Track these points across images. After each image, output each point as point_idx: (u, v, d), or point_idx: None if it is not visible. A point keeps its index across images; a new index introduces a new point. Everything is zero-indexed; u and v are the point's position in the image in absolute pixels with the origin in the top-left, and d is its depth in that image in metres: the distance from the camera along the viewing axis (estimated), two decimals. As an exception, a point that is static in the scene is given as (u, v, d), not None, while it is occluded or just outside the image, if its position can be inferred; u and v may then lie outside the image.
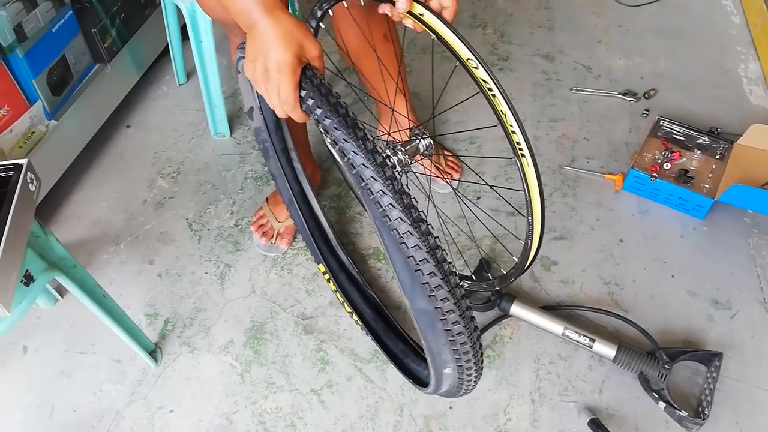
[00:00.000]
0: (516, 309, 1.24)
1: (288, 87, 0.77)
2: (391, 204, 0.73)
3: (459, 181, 1.52)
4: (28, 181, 0.92)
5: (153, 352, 1.23)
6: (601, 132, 1.67)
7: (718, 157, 1.51)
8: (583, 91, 1.80)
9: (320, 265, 1.31)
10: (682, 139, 1.56)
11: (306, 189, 1.33)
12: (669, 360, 1.13)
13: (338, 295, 1.28)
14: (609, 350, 1.17)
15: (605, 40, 1.99)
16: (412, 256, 0.75)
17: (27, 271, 0.88)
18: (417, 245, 0.74)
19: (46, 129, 1.45)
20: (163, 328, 1.29)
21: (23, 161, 0.92)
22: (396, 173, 0.75)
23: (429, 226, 0.75)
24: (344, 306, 1.27)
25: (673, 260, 1.37)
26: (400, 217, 0.73)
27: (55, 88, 1.49)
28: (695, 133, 1.56)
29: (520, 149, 0.81)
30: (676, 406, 1.09)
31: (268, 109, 1.15)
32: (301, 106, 0.79)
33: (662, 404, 1.12)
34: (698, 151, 1.53)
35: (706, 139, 1.55)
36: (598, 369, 1.20)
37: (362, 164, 0.73)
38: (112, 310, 1.10)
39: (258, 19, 0.75)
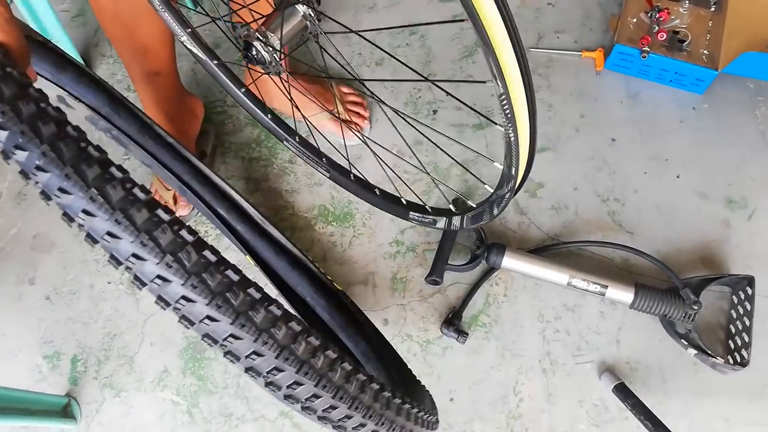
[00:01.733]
0: (509, 261, 1.01)
1: None
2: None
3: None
4: None
5: (67, 407, 0.95)
6: (567, -8, 1.33)
7: (713, 8, 1.22)
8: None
9: (247, 256, 0.99)
10: (668, -11, 1.25)
11: (196, 163, 0.97)
12: (696, 299, 0.95)
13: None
14: (625, 296, 0.97)
15: None
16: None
17: None
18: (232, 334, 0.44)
19: None
20: (72, 369, 1.00)
21: None
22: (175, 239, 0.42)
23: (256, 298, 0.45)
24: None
25: (676, 155, 1.14)
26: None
27: None
28: (681, -21, 1.25)
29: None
30: (710, 352, 0.94)
31: (88, 92, 0.79)
32: None
33: (692, 351, 0.96)
34: (687, 2, 1.23)
35: (694, -15, 1.24)
36: (611, 315, 1.01)
37: (109, 233, 0.42)
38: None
39: None
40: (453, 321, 1.00)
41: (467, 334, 0.99)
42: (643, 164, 1.14)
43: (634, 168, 1.13)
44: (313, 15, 0.72)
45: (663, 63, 1.17)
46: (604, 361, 0.98)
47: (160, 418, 0.96)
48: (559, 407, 0.95)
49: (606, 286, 0.98)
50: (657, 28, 1.18)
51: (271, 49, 0.71)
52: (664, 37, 1.17)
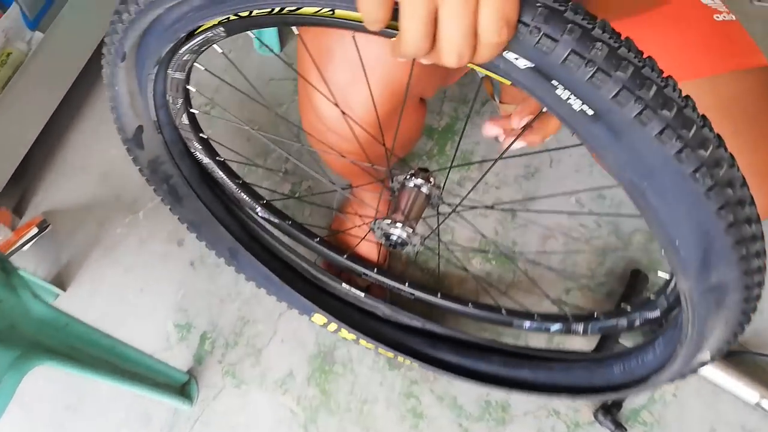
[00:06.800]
0: (690, 361, 0.88)
1: None
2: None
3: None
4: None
5: (186, 385, 0.91)
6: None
7: None
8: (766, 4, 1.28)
9: (315, 315, 0.86)
10: None
11: (257, 220, 0.85)
12: None
13: (379, 350, 0.86)
14: (826, 437, 0.83)
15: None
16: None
17: (-20, 380, 0.53)
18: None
19: (29, 47, 1.03)
20: (200, 347, 0.96)
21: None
22: None
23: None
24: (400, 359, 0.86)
25: None
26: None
27: (35, -18, 1.05)
28: None
29: None
30: None
31: (168, 120, 0.68)
32: None
33: None
34: None
35: None
36: (796, 452, 0.86)
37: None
38: (129, 364, 0.76)
39: None
40: (611, 410, 0.88)
41: (625, 429, 0.87)
42: None
43: None
44: (432, 185, 0.67)
45: None
46: (781, 505, 0.83)
47: (276, 423, 0.90)
48: None
49: (804, 420, 0.83)
50: None
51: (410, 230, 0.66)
52: None
